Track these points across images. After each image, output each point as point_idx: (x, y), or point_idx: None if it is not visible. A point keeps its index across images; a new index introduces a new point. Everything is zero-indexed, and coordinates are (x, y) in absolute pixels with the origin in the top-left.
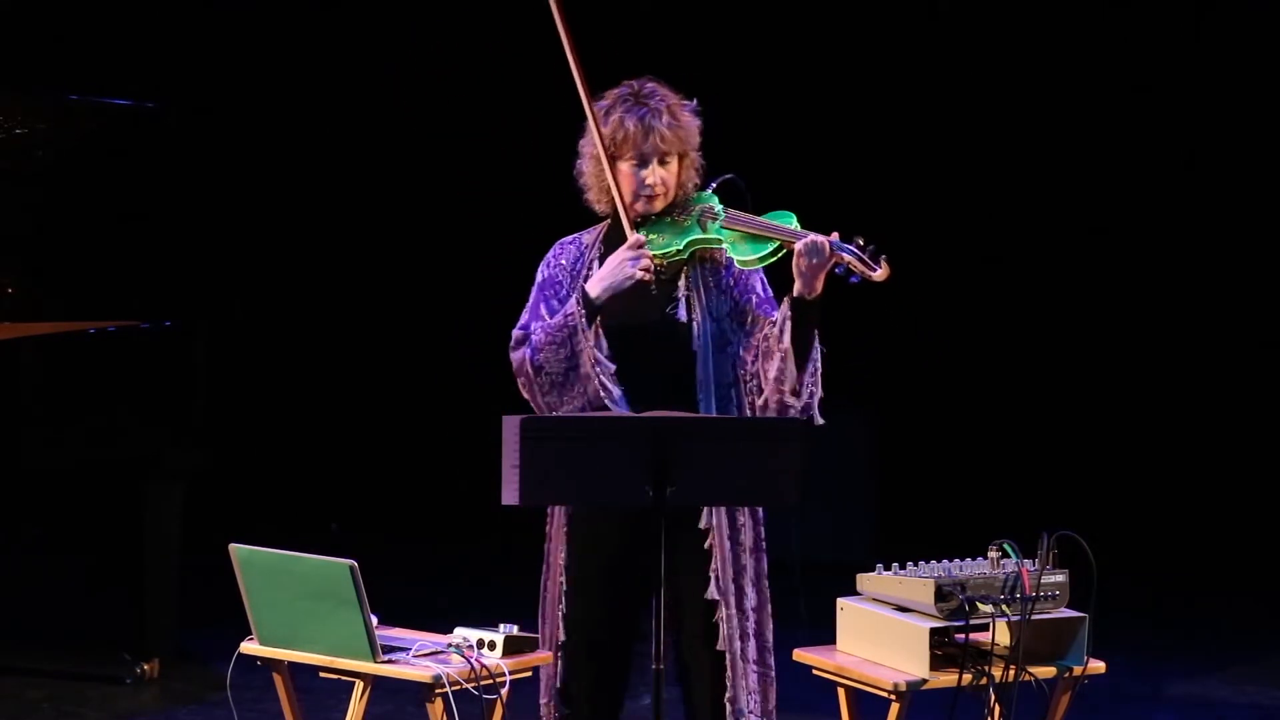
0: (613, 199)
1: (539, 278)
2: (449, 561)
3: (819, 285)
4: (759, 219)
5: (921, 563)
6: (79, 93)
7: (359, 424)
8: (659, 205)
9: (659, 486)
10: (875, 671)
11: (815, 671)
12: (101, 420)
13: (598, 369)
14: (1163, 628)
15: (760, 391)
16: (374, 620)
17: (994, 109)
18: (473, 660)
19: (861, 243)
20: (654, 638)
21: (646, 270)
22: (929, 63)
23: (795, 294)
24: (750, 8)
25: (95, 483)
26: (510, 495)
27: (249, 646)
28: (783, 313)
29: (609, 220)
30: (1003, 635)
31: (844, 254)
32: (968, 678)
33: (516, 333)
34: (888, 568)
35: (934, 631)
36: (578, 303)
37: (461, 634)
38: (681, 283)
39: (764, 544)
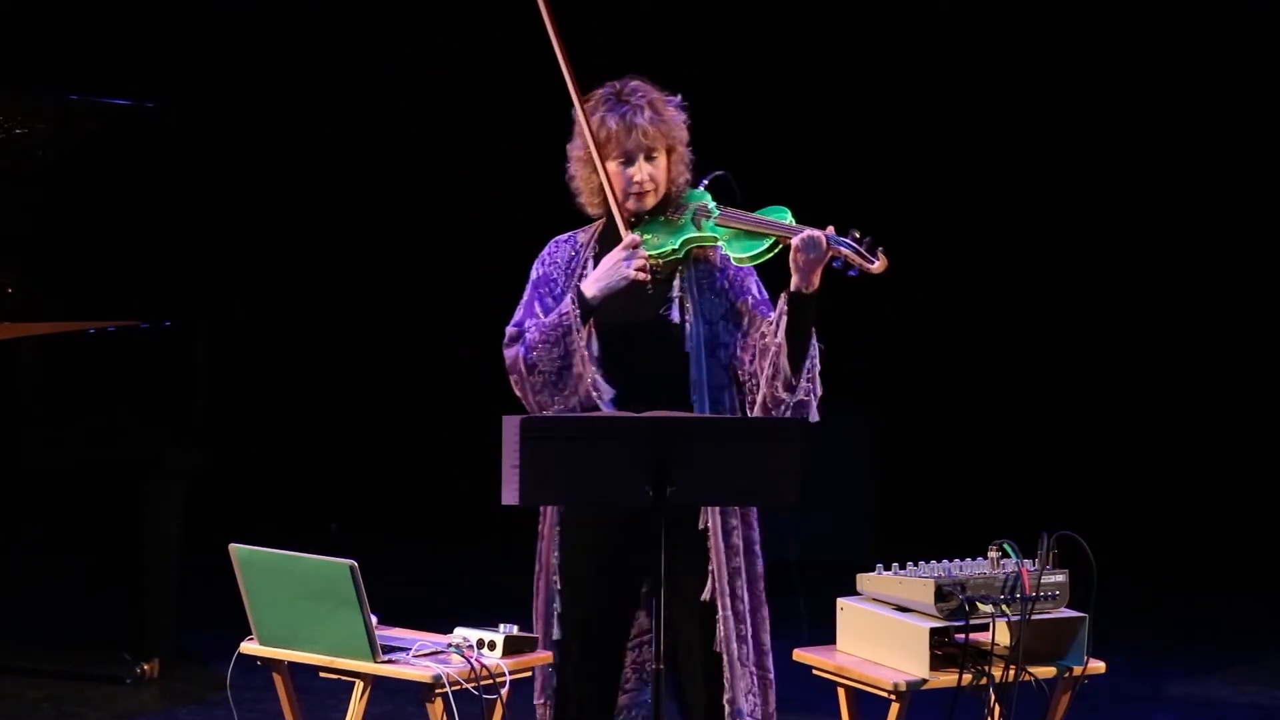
0: (605, 200)
1: (533, 275)
2: (449, 561)
3: (816, 279)
4: (754, 215)
5: (921, 563)
6: (79, 93)
7: (359, 424)
8: (650, 202)
9: (659, 486)
10: (875, 671)
11: (815, 671)
12: (101, 420)
13: (589, 369)
14: (1163, 628)
15: (759, 390)
16: (374, 620)
17: (994, 109)
18: (473, 660)
19: (858, 235)
20: (655, 638)
21: (642, 270)
22: (930, 61)
23: (792, 288)
24: (747, 4)
25: (95, 483)
26: (510, 495)
27: (249, 646)
28: (780, 308)
29: (604, 219)
30: (1003, 635)
31: (841, 247)
32: (968, 678)
33: (510, 329)
34: (888, 568)
35: (934, 631)
36: (573, 302)
37: (461, 634)
38: (676, 284)
39: (757, 547)
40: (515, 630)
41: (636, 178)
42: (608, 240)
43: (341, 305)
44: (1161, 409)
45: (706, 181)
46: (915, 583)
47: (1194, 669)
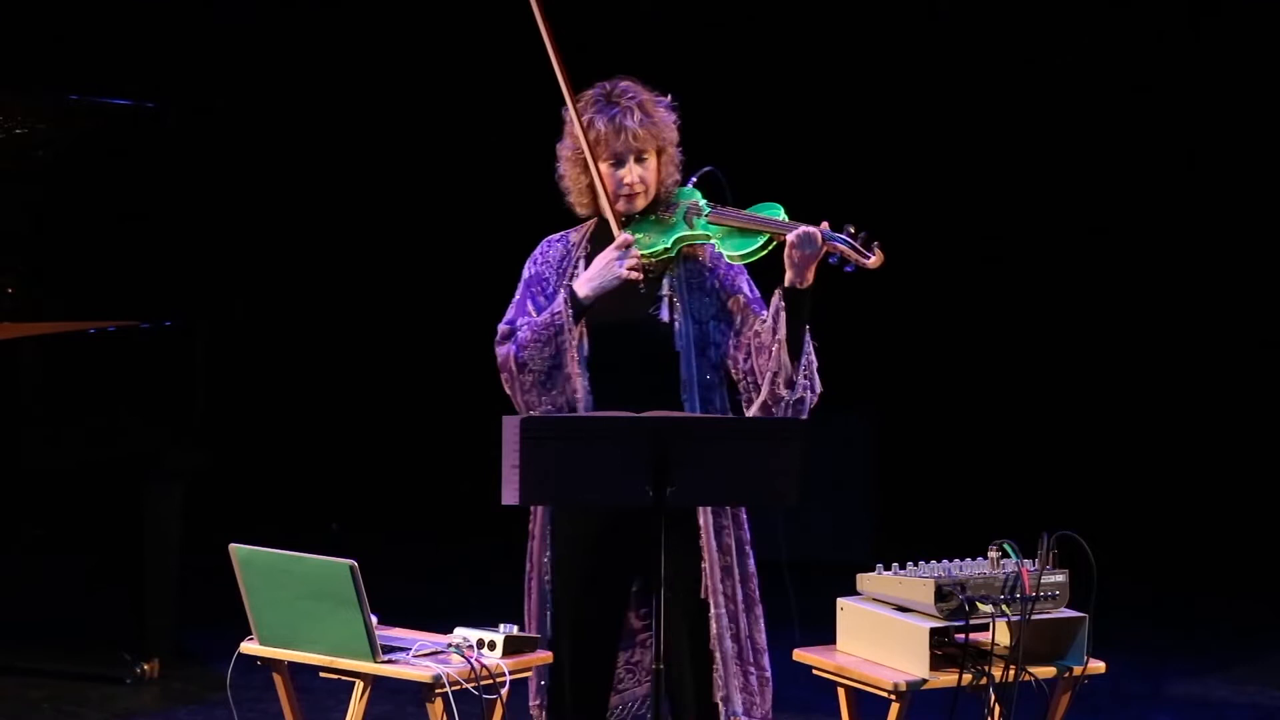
0: (595, 200)
1: (525, 274)
2: (449, 561)
3: (810, 275)
4: (747, 212)
5: (921, 563)
6: (79, 93)
7: (359, 424)
8: (640, 204)
9: (659, 486)
10: (875, 671)
11: (815, 671)
12: (101, 420)
13: (576, 369)
14: (1163, 628)
15: (759, 389)
16: (374, 620)
17: (995, 109)
18: (473, 660)
19: (853, 230)
20: (655, 638)
21: (635, 270)
22: (930, 57)
23: (786, 284)
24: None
25: (95, 483)
26: (510, 495)
27: (249, 646)
28: (775, 304)
29: (596, 218)
30: (1003, 635)
31: (836, 243)
32: (968, 678)
33: (502, 327)
34: (888, 568)
35: (934, 631)
36: (565, 301)
37: (461, 634)
38: (665, 283)
39: (748, 546)
40: (515, 630)
41: (626, 179)
42: (600, 240)
43: (341, 305)
44: (1162, 409)
45: (695, 178)
46: (915, 583)
47: (1194, 669)
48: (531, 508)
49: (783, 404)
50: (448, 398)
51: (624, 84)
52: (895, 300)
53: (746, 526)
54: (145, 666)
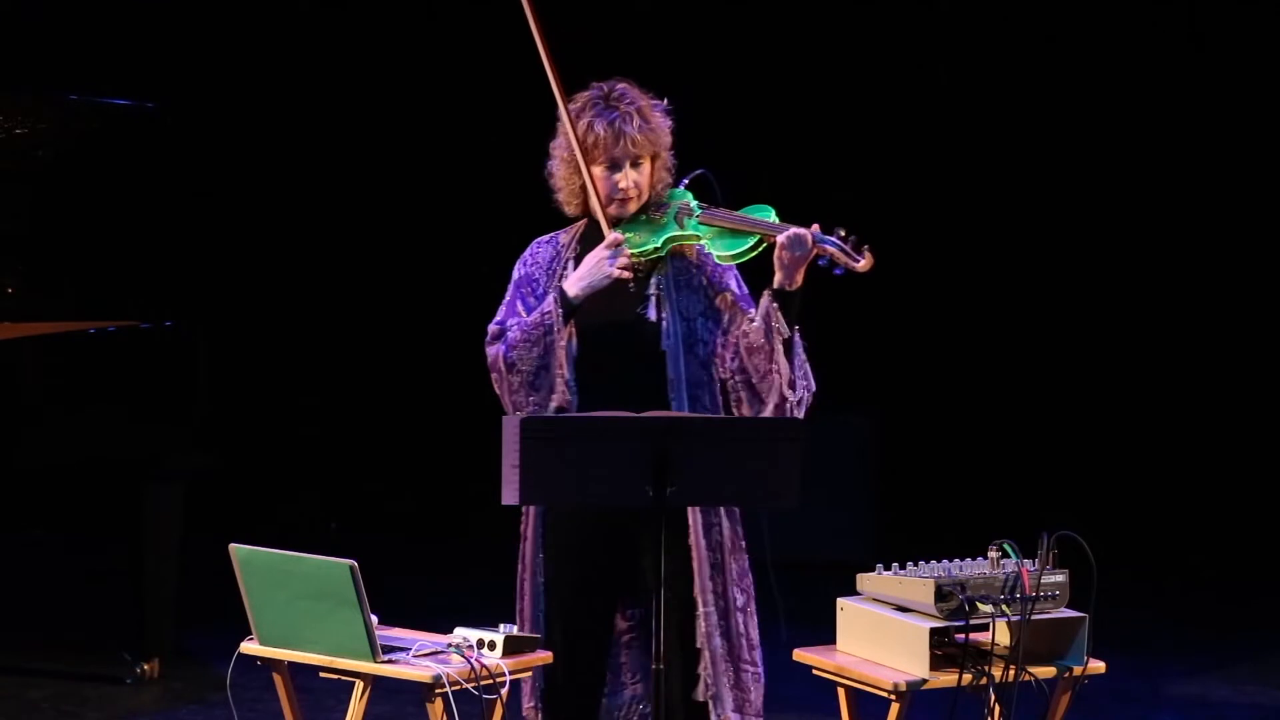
0: (586, 201)
1: (515, 275)
2: (449, 561)
3: (800, 277)
4: (737, 214)
5: (921, 563)
6: (79, 93)
7: (359, 424)
8: (632, 208)
9: (659, 486)
10: (875, 671)
11: (815, 671)
12: (102, 421)
13: (564, 370)
14: (1163, 627)
15: (749, 388)
16: (374, 620)
17: (996, 108)
18: (473, 660)
19: (843, 233)
20: (655, 638)
21: (625, 269)
22: (930, 60)
23: (775, 285)
24: (728, 10)
25: (95, 483)
26: (510, 495)
27: (249, 646)
28: (764, 305)
29: (586, 219)
30: (1003, 635)
31: (826, 246)
32: (968, 678)
33: (492, 328)
34: (888, 568)
35: (934, 631)
36: (555, 301)
37: (461, 634)
38: (653, 281)
39: (743, 543)
40: (515, 630)
41: (622, 184)
42: (589, 241)
43: (341, 305)
44: (1162, 408)
45: (687, 180)
46: (915, 583)
47: (1194, 669)
48: (523, 508)
49: (789, 405)
50: (447, 398)
51: (621, 86)
52: (895, 301)
53: (740, 524)
54: (145, 666)
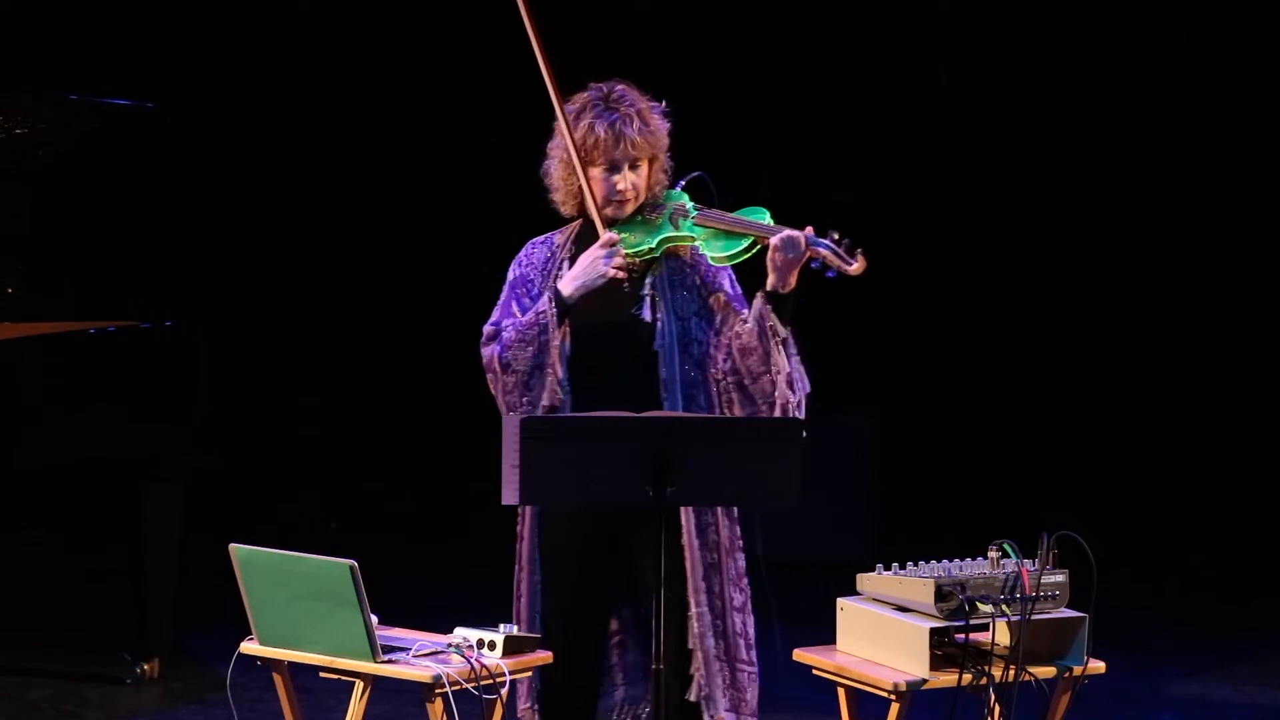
0: (582, 202)
1: (510, 276)
2: (449, 561)
3: (793, 280)
4: (732, 215)
5: (921, 563)
6: (79, 93)
7: (359, 424)
8: (629, 209)
9: (659, 486)
10: (875, 671)
11: (815, 671)
12: (102, 420)
13: (557, 370)
14: (1163, 627)
15: (741, 389)
16: (374, 620)
17: (996, 108)
18: (473, 660)
19: (837, 236)
20: (655, 638)
21: (620, 268)
22: (929, 61)
23: (768, 288)
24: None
25: (95, 483)
26: (510, 495)
27: (249, 646)
28: (756, 307)
29: (581, 220)
30: (1003, 635)
31: (820, 248)
32: (968, 678)
33: (487, 329)
34: (888, 568)
35: (934, 631)
36: (550, 301)
37: (461, 634)
38: (648, 282)
39: (740, 543)
40: (515, 630)
41: (620, 186)
42: (584, 241)
43: (341, 305)
44: (1162, 408)
45: (684, 182)
46: (915, 583)
47: (1194, 669)
48: (519, 509)
49: (790, 405)
50: (447, 398)
51: (620, 88)
52: (895, 301)
53: (738, 524)
54: (145, 666)
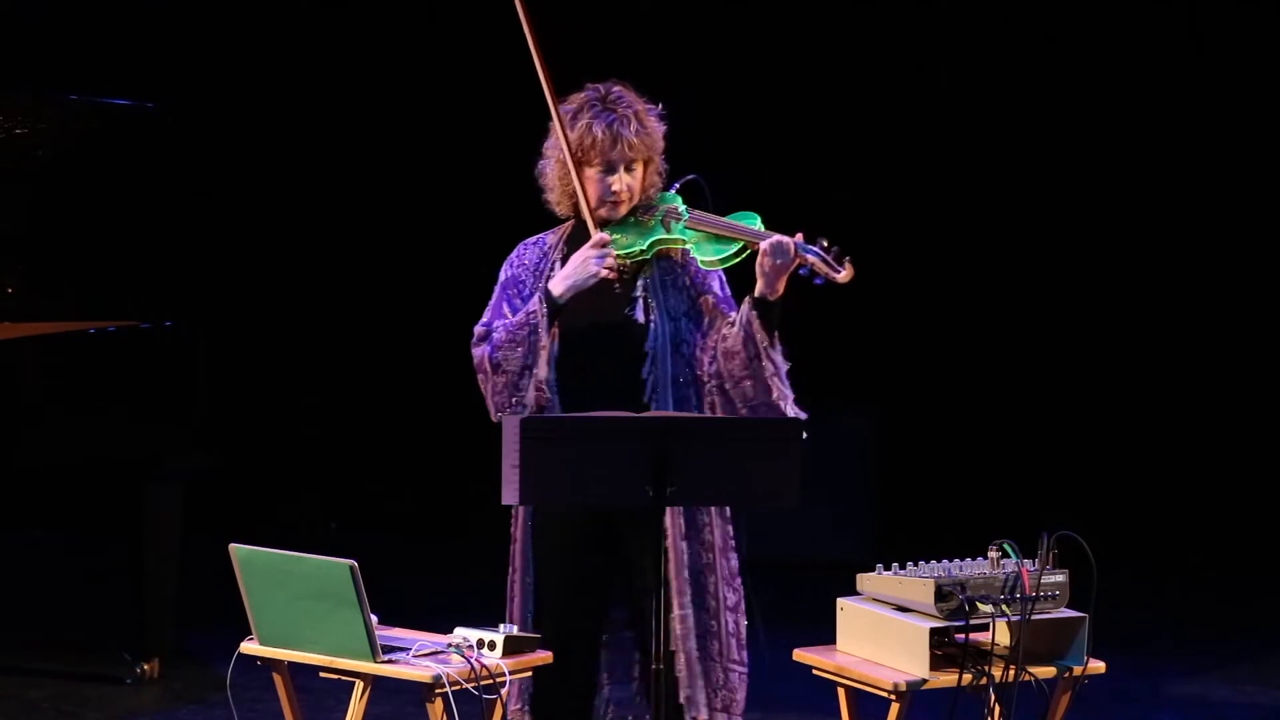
0: (576, 202)
1: (502, 277)
2: (449, 561)
3: (781, 286)
4: (723, 219)
5: (921, 563)
6: (79, 93)
7: (358, 424)
8: (623, 211)
9: (659, 486)
10: (875, 671)
11: (815, 671)
12: (101, 421)
13: (546, 371)
14: (1163, 627)
15: (722, 393)
16: (374, 620)
17: (996, 108)
18: (473, 660)
19: (826, 244)
20: (654, 637)
21: (611, 269)
22: (928, 61)
23: (757, 294)
24: (730, 8)
25: (96, 483)
26: (510, 495)
27: (249, 646)
28: (743, 313)
29: (573, 221)
30: (1003, 635)
31: (809, 255)
32: (968, 678)
33: (478, 329)
34: (888, 568)
35: (934, 631)
36: (540, 301)
37: (461, 634)
38: (640, 283)
39: (733, 543)
40: (515, 630)
41: (615, 187)
42: (576, 242)
43: (341, 305)
44: (1162, 408)
45: (678, 185)
46: (915, 583)
47: (1194, 669)
48: (512, 510)
49: (761, 411)
50: (447, 398)
51: (618, 89)
52: (895, 302)
53: (731, 524)
54: (145, 666)
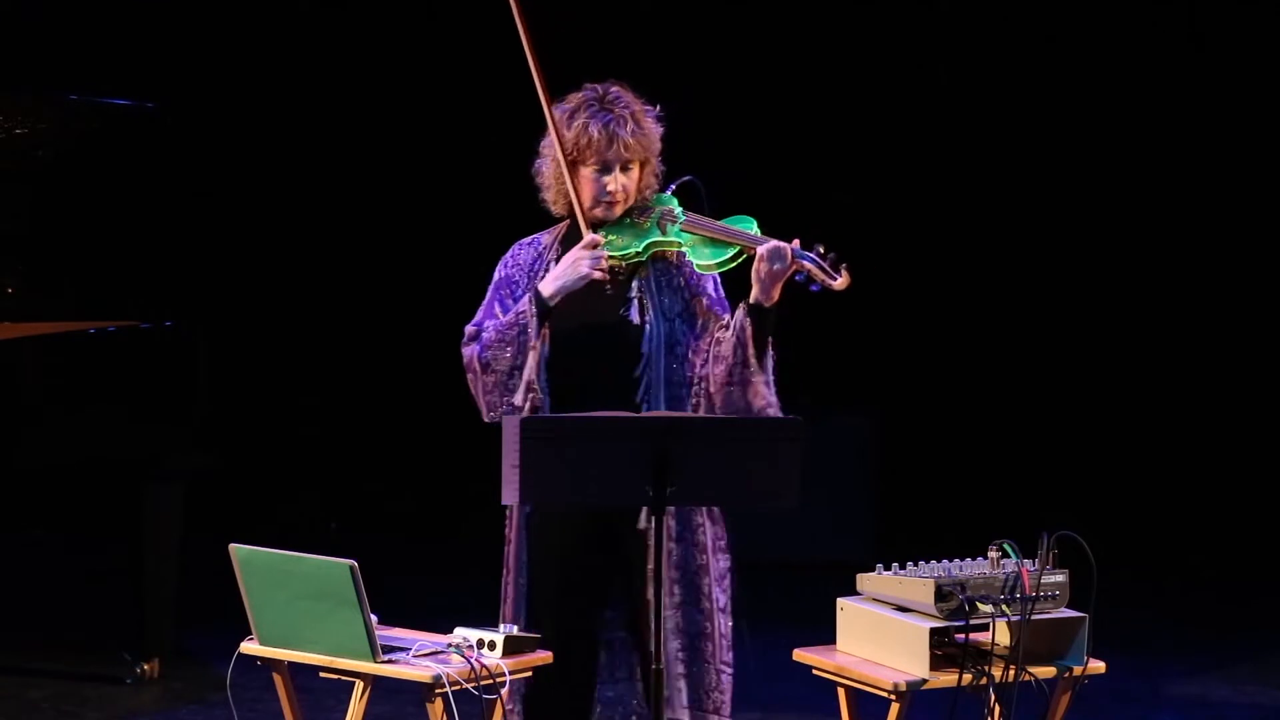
0: (571, 204)
1: (496, 276)
2: (449, 561)
3: (777, 293)
4: (719, 223)
5: (921, 563)
6: (79, 93)
7: (359, 424)
8: (618, 211)
9: (659, 486)
10: (875, 671)
11: (815, 671)
12: (102, 420)
13: (535, 371)
14: (1163, 627)
15: (707, 397)
16: (374, 620)
17: (996, 108)
18: (473, 660)
19: (822, 250)
20: (654, 637)
21: (602, 270)
22: (930, 58)
23: (752, 301)
24: (728, 10)
25: (95, 483)
26: (510, 495)
27: (249, 646)
28: (738, 319)
29: (569, 221)
30: (1003, 635)
31: (805, 261)
32: (968, 678)
33: (469, 329)
34: (888, 568)
35: (934, 631)
36: (530, 301)
37: (461, 634)
38: (635, 284)
39: (723, 543)
40: (515, 630)
41: (610, 187)
42: (571, 242)
43: (341, 305)
44: (1162, 408)
45: (674, 186)
46: (915, 583)
47: (1194, 669)
48: (506, 511)
49: (771, 410)
50: (447, 398)
51: (615, 90)
52: (895, 302)
53: (722, 525)
54: (145, 666)
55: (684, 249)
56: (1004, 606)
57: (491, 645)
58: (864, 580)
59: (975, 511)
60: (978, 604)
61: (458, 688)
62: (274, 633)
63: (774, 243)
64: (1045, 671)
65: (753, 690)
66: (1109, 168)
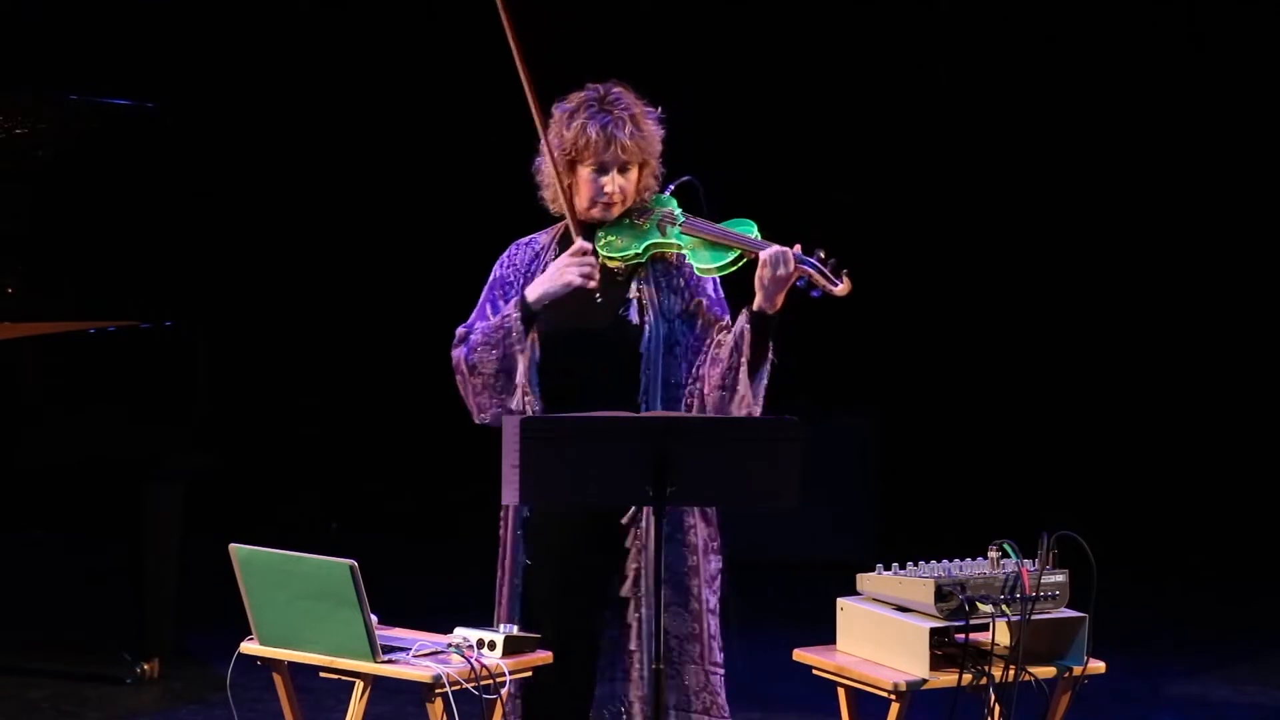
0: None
1: (491, 276)
2: (449, 561)
3: (780, 300)
4: (719, 226)
5: (921, 563)
6: (79, 93)
7: (359, 424)
8: (615, 213)
9: (659, 486)
10: (875, 671)
11: (815, 671)
12: (102, 420)
13: (524, 374)
14: (1163, 627)
15: (700, 396)
16: (374, 620)
17: (996, 108)
18: (473, 660)
19: (823, 255)
20: (655, 638)
21: (588, 278)
22: (930, 58)
23: (755, 308)
24: (727, 12)
25: (95, 483)
26: (510, 495)
27: (249, 646)
28: (739, 326)
29: (567, 222)
30: (1003, 635)
31: (806, 266)
32: (968, 678)
33: (459, 330)
34: (888, 568)
35: (934, 631)
36: (516, 305)
37: (461, 634)
38: (634, 285)
39: (716, 544)
40: (515, 630)
41: (608, 188)
42: (568, 243)
43: (341, 305)
44: (1161, 408)
45: (673, 186)
46: (915, 583)
47: (1194, 669)
48: (501, 512)
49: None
50: (448, 398)
51: (616, 91)
52: (895, 302)
53: (715, 526)
54: (145, 666)
55: (684, 251)
56: (1004, 606)
57: (491, 645)
58: (864, 580)
59: (975, 511)
60: (978, 604)
61: (458, 688)
62: (274, 633)
63: (776, 248)
64: (1045, 671)
65: (753, 690)
66: (1109, 168)
